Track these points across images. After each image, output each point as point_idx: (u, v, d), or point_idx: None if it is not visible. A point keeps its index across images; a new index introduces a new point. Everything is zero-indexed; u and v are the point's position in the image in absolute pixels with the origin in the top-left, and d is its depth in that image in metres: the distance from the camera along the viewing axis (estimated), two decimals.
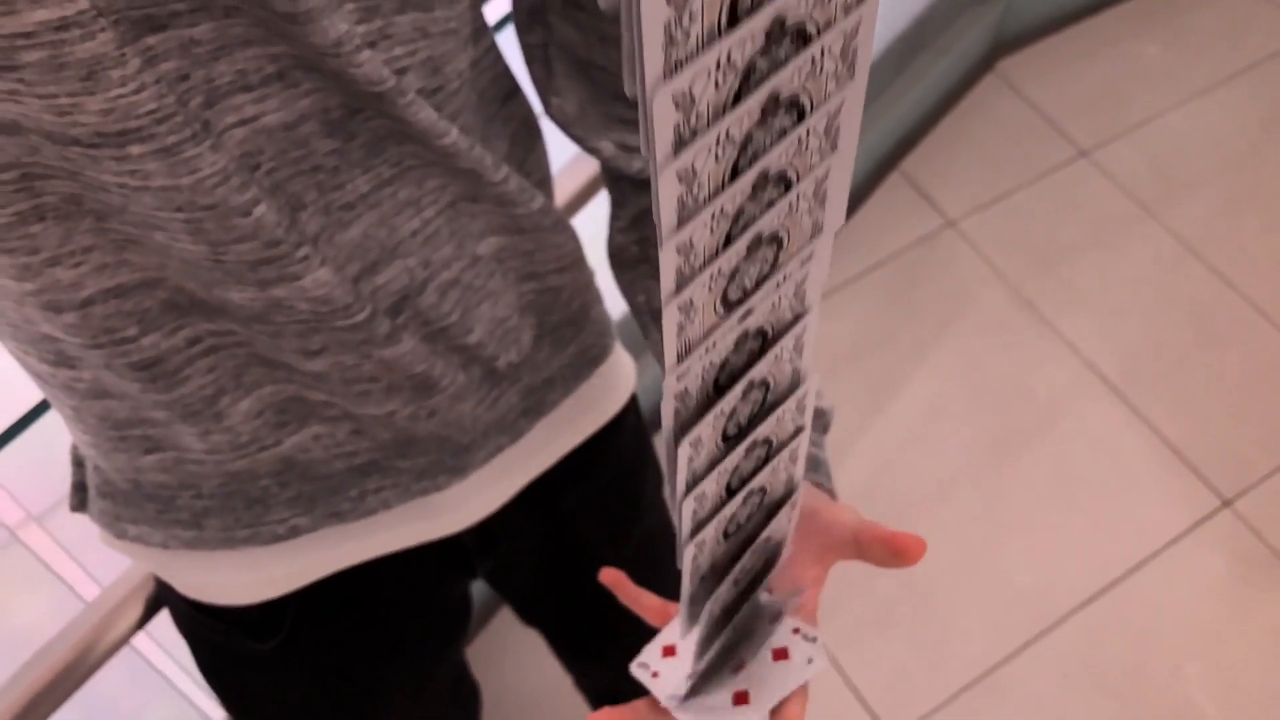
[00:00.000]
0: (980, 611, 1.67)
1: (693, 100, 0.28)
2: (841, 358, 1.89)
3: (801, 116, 0.32)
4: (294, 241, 0.49)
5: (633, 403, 0.82)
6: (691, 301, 0.33)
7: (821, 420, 0.61)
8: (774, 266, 0.36)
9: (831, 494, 0.58)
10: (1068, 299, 1.97)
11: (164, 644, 1.00)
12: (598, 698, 1.02)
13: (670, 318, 0.33)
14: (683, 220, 0.30)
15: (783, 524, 0.50)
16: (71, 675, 0.74)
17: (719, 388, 0.39)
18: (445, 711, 0.89)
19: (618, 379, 0.79)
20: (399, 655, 0.78)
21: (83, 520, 0.70)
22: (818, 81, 0.31)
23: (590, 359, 0.74)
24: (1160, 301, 1.98)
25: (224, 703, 0.78)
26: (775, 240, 0.35)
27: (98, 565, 0.99)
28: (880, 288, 1.98)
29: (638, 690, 0.58)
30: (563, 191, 1.00)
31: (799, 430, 0.45)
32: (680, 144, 0.28)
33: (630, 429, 0.82)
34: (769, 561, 0.53)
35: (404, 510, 0.67)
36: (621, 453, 0.82)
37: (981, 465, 1.80)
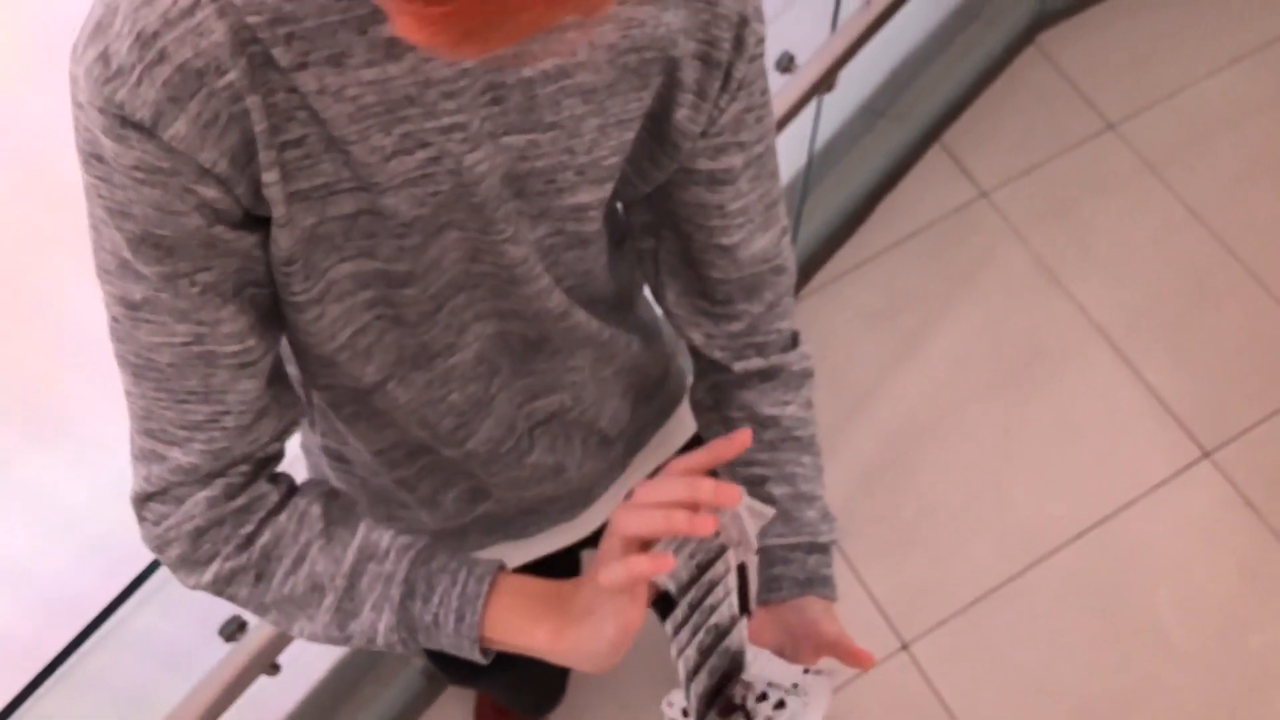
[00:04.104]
0: (987, 539, 1.95)
1: None
2: (879, 314, 2.15)
3: None
4: (479, 421, 0.81)
5: None
6: None
7: (828, 543, 0.88)
8: None
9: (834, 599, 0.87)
10: (1082, 264, 2.18)
11: None
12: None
13: None
14: None
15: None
16: None
17: None
18: None
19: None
20: None
21: None
22: None
23: (672, 402, 1.03)
24: (1165, 266, 2.17)
25: None
26: None
27: None
28: (916, 253, 2.21)
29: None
30: None
31: None
32: None
33: (700, 441, 1.12)
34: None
35: (553, 529, 0.99)
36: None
37: (994, 411, 2.06)
